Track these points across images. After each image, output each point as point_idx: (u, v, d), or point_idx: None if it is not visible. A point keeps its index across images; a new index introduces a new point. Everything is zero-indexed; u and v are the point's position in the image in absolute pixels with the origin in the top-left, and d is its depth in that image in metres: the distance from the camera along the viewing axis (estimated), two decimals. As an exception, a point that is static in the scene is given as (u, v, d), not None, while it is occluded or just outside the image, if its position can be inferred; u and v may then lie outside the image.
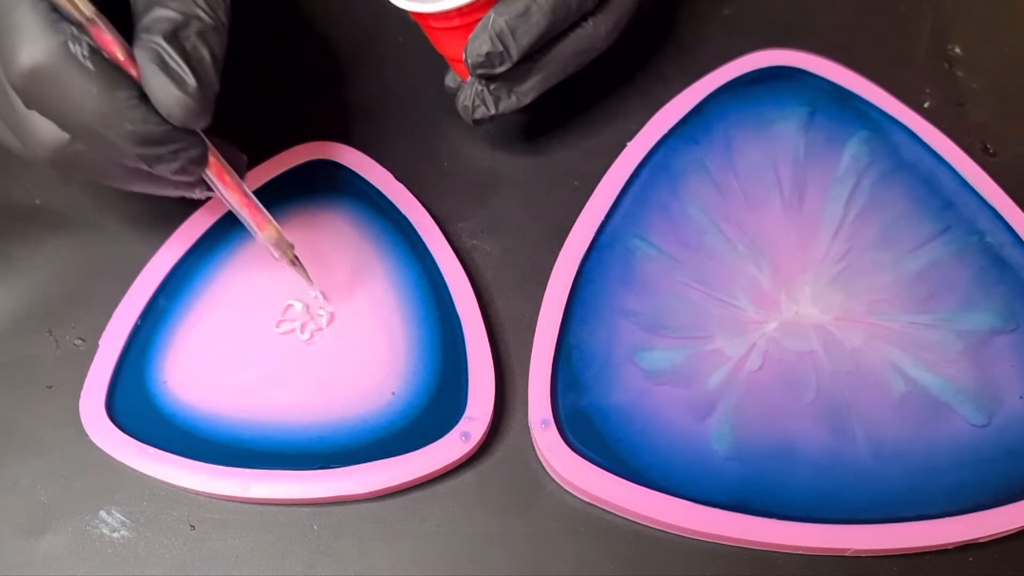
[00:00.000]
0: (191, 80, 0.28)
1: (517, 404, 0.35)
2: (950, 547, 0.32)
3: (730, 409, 0.33)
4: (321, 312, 0.36)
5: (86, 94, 0.27)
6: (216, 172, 0.31)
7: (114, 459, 0.34)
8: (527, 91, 0.36)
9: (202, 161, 0.30)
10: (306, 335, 0.36)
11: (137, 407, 0.35)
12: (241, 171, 0.33)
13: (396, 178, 0.39)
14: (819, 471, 0.32)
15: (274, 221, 0.33)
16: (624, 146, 0.40)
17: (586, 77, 0.38)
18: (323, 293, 0.37)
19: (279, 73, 0.44)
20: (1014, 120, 0.41)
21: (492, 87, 0.36)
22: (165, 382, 0.35)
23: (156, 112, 0.28)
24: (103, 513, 0.34)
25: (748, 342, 0.35)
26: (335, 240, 0.38)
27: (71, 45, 0.26)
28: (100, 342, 0.36)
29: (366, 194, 0.39)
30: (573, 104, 0.42)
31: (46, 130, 0.29)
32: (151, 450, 0.34)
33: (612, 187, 0.38)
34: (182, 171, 0.29)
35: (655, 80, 0.42)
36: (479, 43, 0.34)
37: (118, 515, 0.34)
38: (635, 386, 0.34)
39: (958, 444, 0.33)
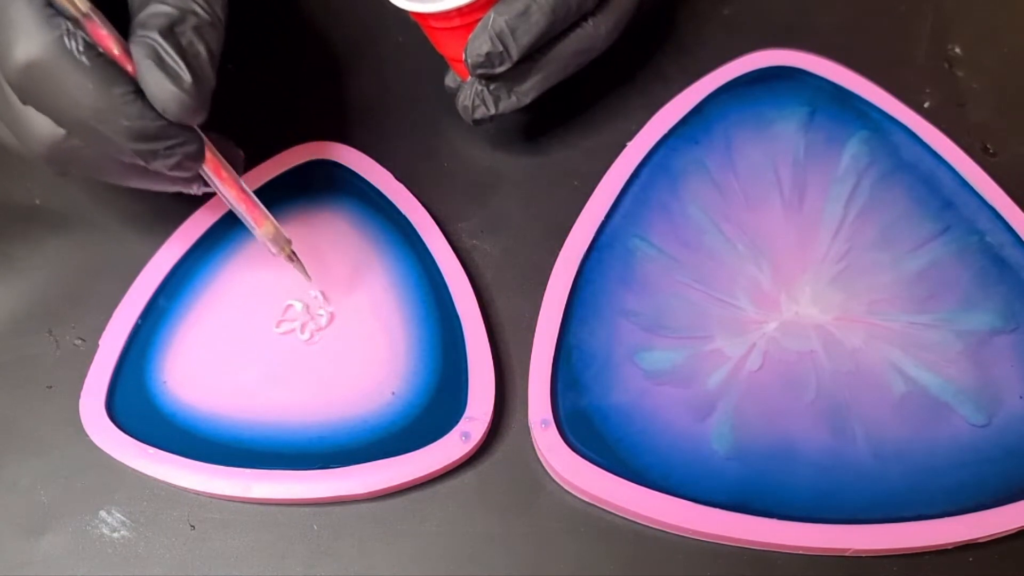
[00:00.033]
0: (187, 76, 0.28)
1: (517, 404, 0.35)
2: (950, 547, 0.32)
3: (730, 409, 0.33)
4: (321, 312, 0.36)
5: (82, 90, 0.27)
6: (213, 168, 0.31)
7: (114, 459, 0.34)
8: (527, 91, 0.36)
9: (198, 157, 0.30)
10: (306, 335, 0.36)
11: (137, 407, 0.35)
12: (238, 166, 0.33)
13: (396, 178, 0.39)
14: (819, 471, 0.32)
15: (271, 216, 0.33)
16: (624, 146, 0.39)
17: (586, 77, 0.38)
18: (323, 293, 0.37)
19: (279, 73, 0.44)
20: (1014, 120, 0.41)
21: (492, 87, 0.36)
22: (165, 382, 0.35)
23: (152, 108, 0.28)
24: (103, 513, 0.34)
25: (748, 342, 0.35)
26: (335, 240, 0.38)
27: (67, 40, 0.27)
28: (100, 342, 0.36)
29: (366, 194, 0.39)
30: (573, 104, 0.42)
31: (42, 126, 0.29)
32: (151, 450, 0.34)
33: (612, 187, 0.38)
34: (178, 167, 0.29)
35: (655, 80, 0.42)
36: (479, 43, 0.34)
37: (118, 515, 0.34)
38: (635, 386, 0.34)
39: (958, 444, 0.33)
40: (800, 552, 0.32)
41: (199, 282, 0.37)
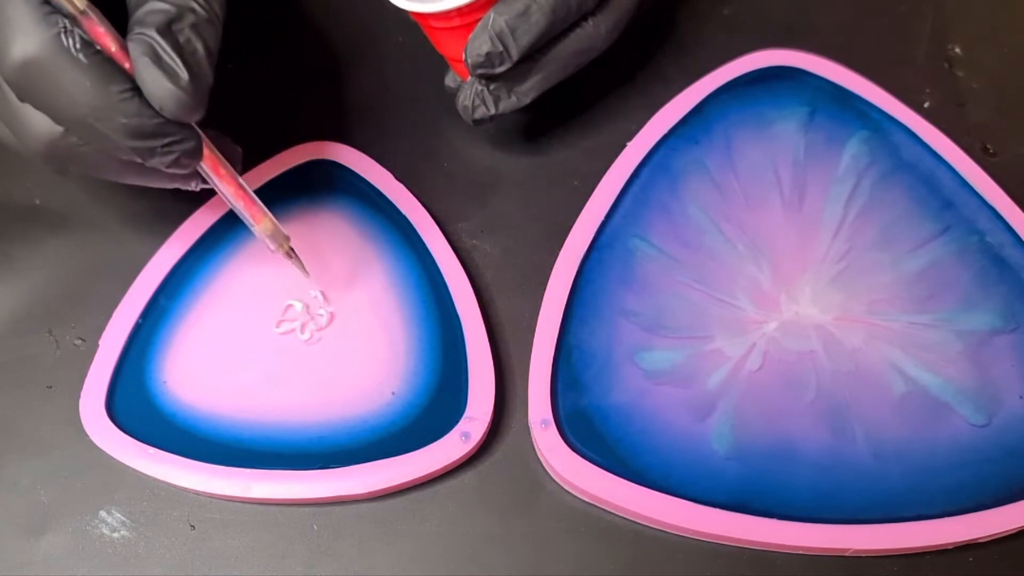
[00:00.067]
0: (184, 73, 0.28)
1: (517, 404, 0.35)
2: (950, 547, 0.32)
3: (730, 409, 0.33)
4: (321, 312, 0.36)
5: (79, 87, 0.27)
6: (211, 165, 0.31)
7: (114, 459, 0.34)
8: (527, 91, 0.36)
9: (196, 154, 0.30)
10: (306, 335, 0.36)
11: (137, 407, 0.35)
12: (236, 163, 0.33)
13: (396, 178, 0.39)
14: (819, 471, 0.32)
15: (269, 213, 0.33)
16: (624, 146, 0.39)
17: (586, 77, 0.38)
18: (323, 293, 0.37)
19: (279, 73, 0.44)
20: (1014, 120, 0.41)
21: (492, 87, 0.36)
22: (165, 382, 0.35)
23: (149, 105, 0.28)
24: (103, 513, 0.34)
25: (748, 342, 0.35)
26: (335, 240, 0.38)
27: (64, 38, 0.27)
28: (100, 342, 0.36)
29: (366, 194, 0.39)
30: (573, 104, 0.42)
31: (39, 123, 0.29)
32: (151, 450, 0.34)
33: (612, 187, 0.38)
34: (176, 164, 0.29)
35: (655, 80, 0.42)
36: (479, 43, 0.34)
37: (118, 515, 0.34)
38: (635, 386, 0.34)
39: (958, 444, 0.33)
40: (800, 552, 0.32)
41: (199, 282, 0.37)
